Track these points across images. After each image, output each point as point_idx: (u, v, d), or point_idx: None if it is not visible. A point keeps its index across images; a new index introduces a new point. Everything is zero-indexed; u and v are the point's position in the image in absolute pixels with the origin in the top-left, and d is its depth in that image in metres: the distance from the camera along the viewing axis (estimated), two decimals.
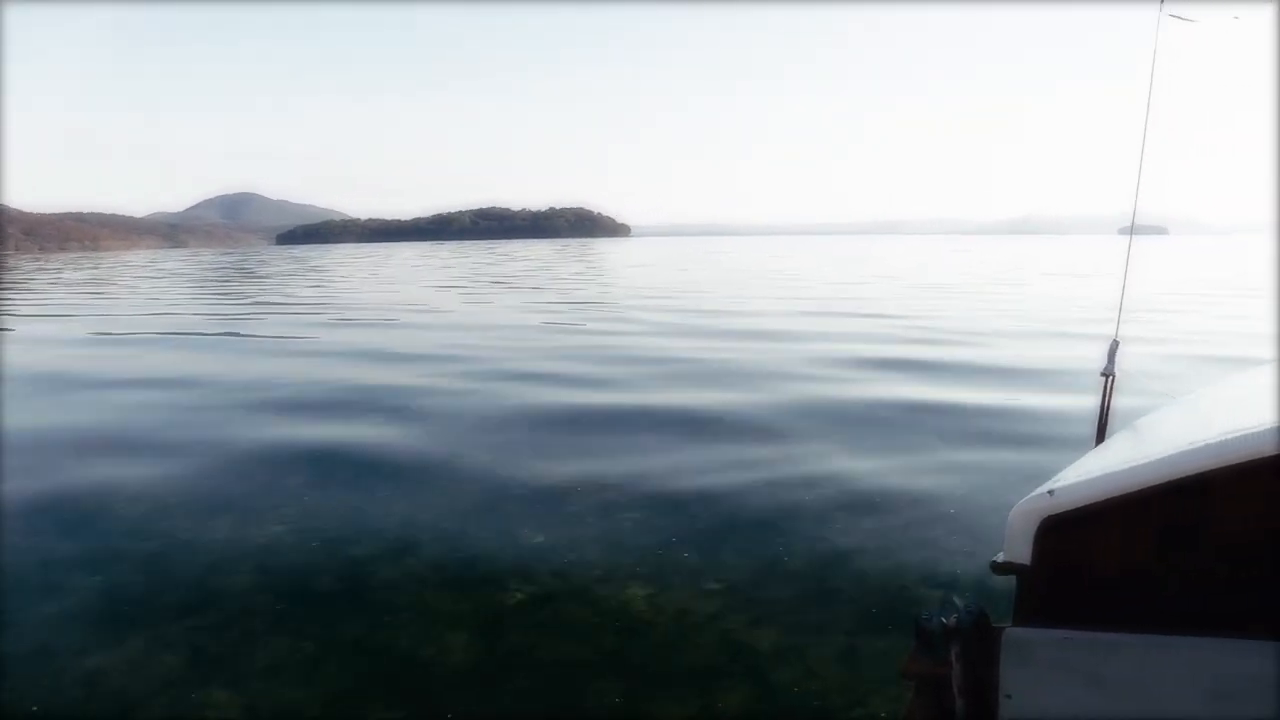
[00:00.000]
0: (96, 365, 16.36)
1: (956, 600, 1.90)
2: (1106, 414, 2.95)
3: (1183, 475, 1.78)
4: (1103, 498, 1.85)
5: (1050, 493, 1.91)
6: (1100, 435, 2.85)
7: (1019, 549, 1.91)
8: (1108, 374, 3.05)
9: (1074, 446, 2.94)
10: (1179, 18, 3.00)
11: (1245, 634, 1.72)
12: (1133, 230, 3.29)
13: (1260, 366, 3.11)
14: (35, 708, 4.25)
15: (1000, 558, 1.96)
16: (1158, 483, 1.80)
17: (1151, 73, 2.99)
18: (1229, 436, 1.77)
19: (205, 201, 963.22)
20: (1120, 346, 3.14)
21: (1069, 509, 1.88)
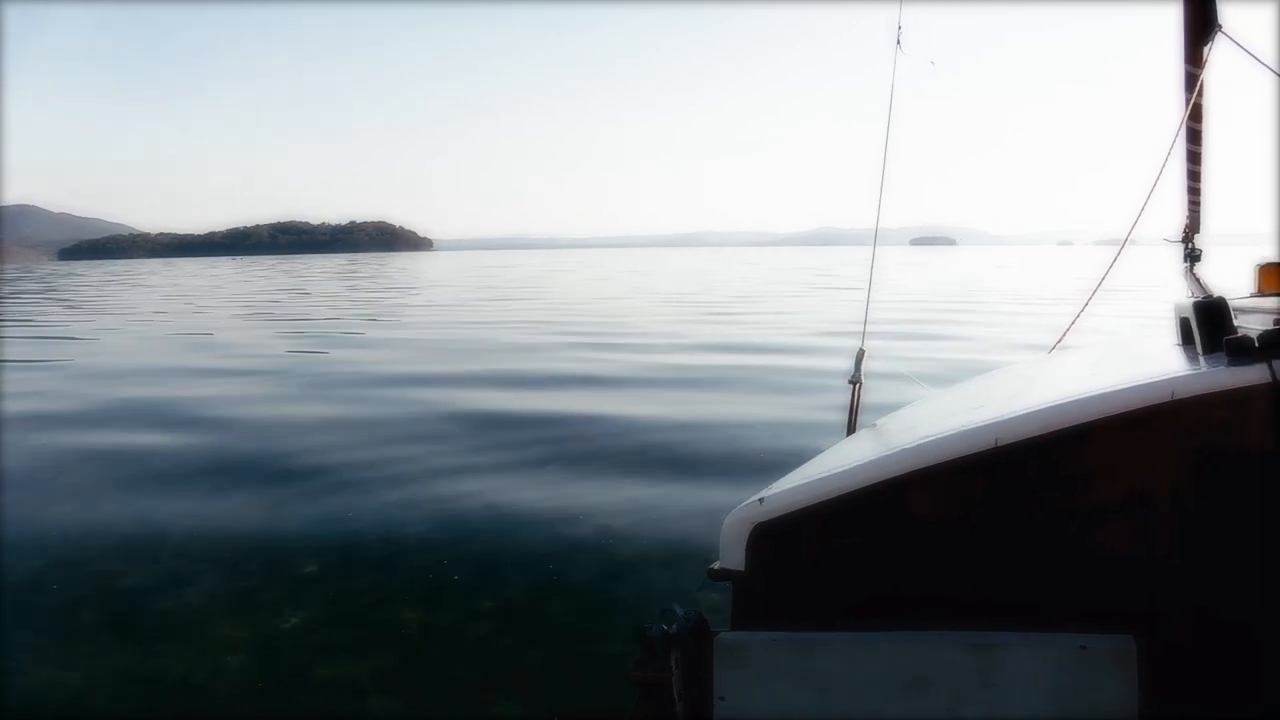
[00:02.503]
0: None
1: (677, 608, 1.99)
2: (855, 419, 3.20)
3: (881, 480, 1.94)
4: (809, 503, 1.98)
5: (760, 500, 2.03)
6: None
7: (732, 556, 2.02)
8: (855, 381, 3.33)
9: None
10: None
11: (942, 626, 1.86)
12: (875, 242, 3.81)
13: (989, 373, 3.56)
14: None
15: (716, 565, 2.05)
16: (858, 488, 1.95)
17: (890, 107, 3.46)
18: (923, 442, 1.96)
19: None
20: (866, 354, 3.46)
21: (778, 515, 1.99)
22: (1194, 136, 3.59)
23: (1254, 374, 1.78)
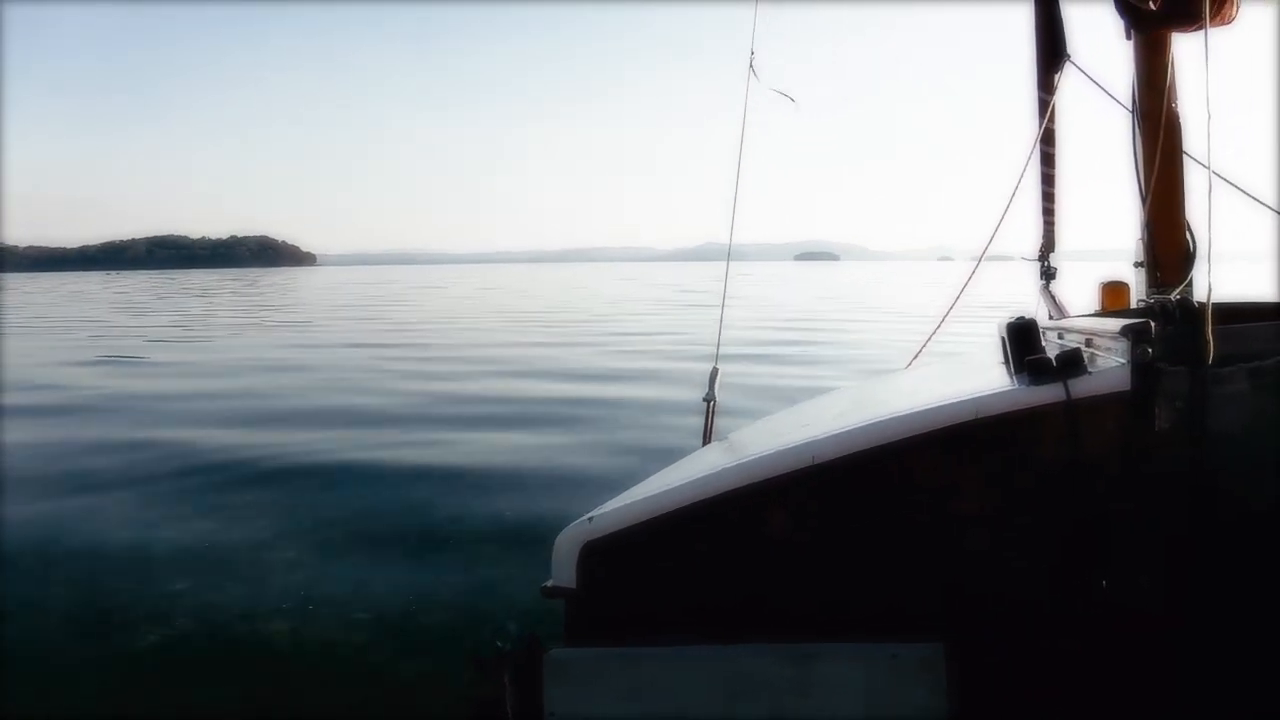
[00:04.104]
0: None
1: (510, 627, 2.32)
2: (709, 437, 3.23)
3: (704, 498, 1.99)
4: (636, 521, 2.03)
5: (590, 519, 2.07)
6: None
7: (564, 573, 2.05)
8: (709, 399, 3.38)
9: None
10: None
11: (764, 639, 1.92)
12: (730, 256, 3.92)
13: (832, 391, 3.83)
14: None
15: (549, 583, 2.08)
16: (682, 505, 2.01)
17: (741, 136, 3.51)
18: (745, 460, 2.05)
19: None
20: (720, 372, 3.49)
21: (606, 533, 2.04)
22: (1047, 159, 3.72)
23: (1050, 393, 1.86)
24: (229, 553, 5.68)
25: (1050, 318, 3.63)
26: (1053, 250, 4.08)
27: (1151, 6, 2.57)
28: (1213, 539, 1.83)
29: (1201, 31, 2.31)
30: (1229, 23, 2.71)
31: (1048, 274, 4.07)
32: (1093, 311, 3.24)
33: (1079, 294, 3.83)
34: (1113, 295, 3.34)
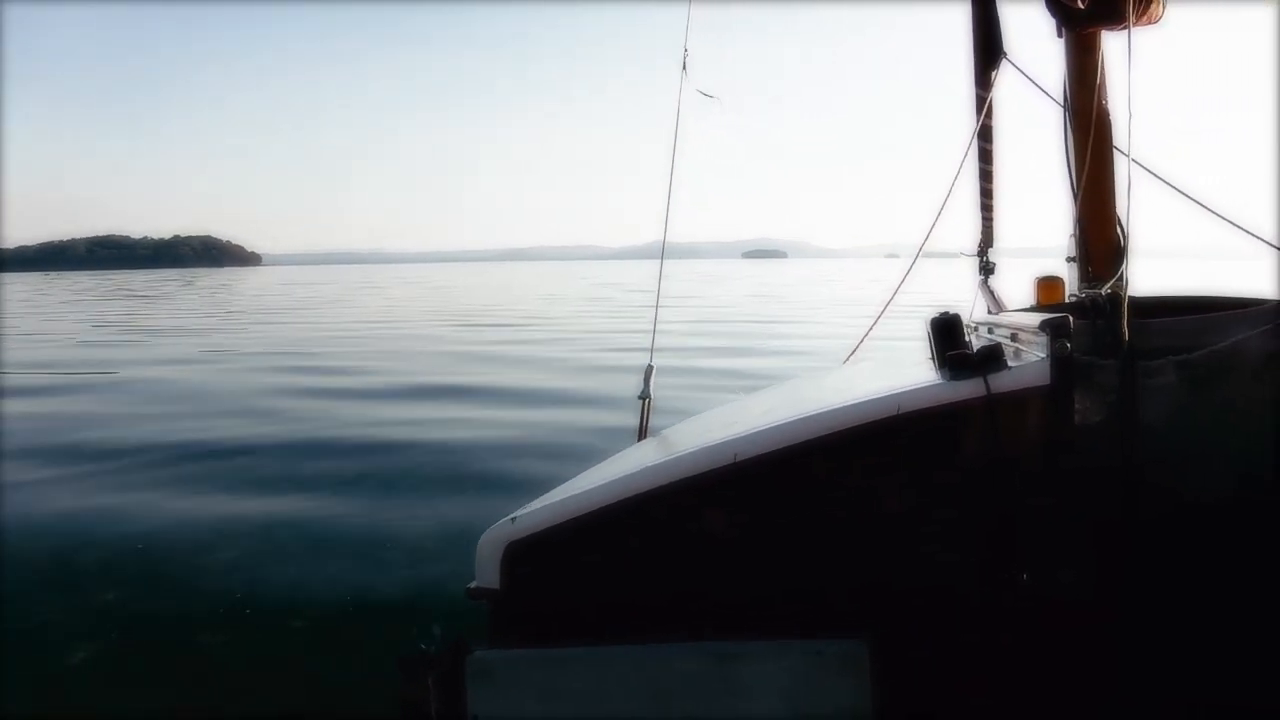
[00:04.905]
0: None
1: (435, 630, 2.07)
2: (645, 434, 3.23)
3: (626, 497, 1.99)
4: (558, 521, 2.03)
5: (513, 519, 2.07)
6: None
7: (487, 574, 2.05)
8: (644, 396, 3.38)
9: None
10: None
11: (687, 638, 1.93)
12: (662, 257, 3.71)
13: (765, 388, 3.84)
14: None
15: (473, 584, 2.07)
16: (604, 505, 2.01)
17: (675, 133, 3.52)
18: (668, 459, 2.04)
19: None
20: (655, 370, 3.49)
21: (529, 533, 2.03)
22: (985, 155, 3.76)
23: (970, 388, 1.87)
24: None
25: (989, 312, 3.67)
26: (991, 246, 4.12)
27: (1080, 5, 2.60)
28: (1139, 531, 1.85)
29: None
30: (1155, 22, 2.75)
31: (987, 269, 4.12)
32: (1028, 306, 3.28)
33: (1021, 289, 3.88)
34: (1047, 290, 3.39)
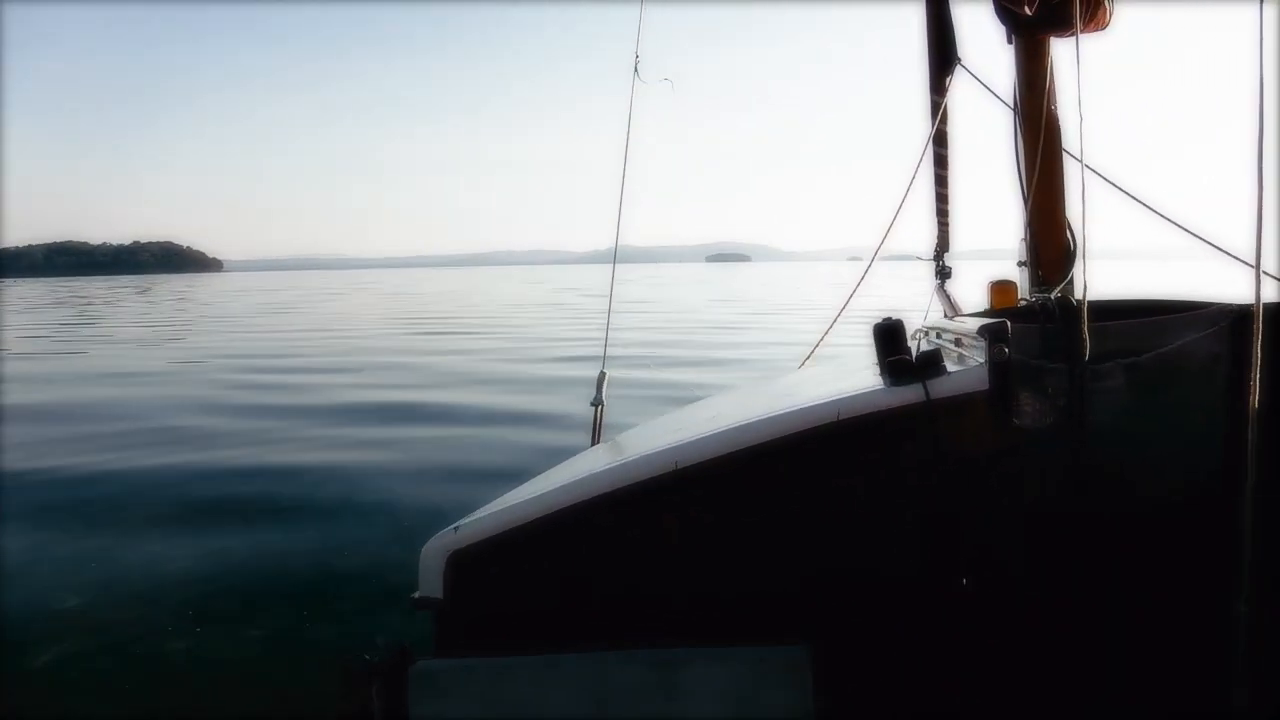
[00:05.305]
0: None
1: (379, 640, 2.16)
2: (598, 440, 3.25)
3: (568, 505, 1.98)
4: (500, 530, 2.01)
5: (455, 529, 2.05)
6: None
7: (431, 584, 2.03)
8: (597, 403, 3.46)
9: None
10: (661, 80, 3.71)
11: (630, 645, 1.92)
12: (614, 261, 3.80)
13: (715, 395, 3.81)
14: None
15: (417, 594, 2.05)
16: (546, 514, 1.99)
17: (627, 136, 3.56)
18: (610, 467, 2.04)
19: None
20: (608, 376, 3.56)
21: (471, 543, 2.02)
22: (940, 160, 3.77)
23: (910, 394, 1.87)
24: None
25: (946, 316, 3.69)
26: (947, 250, 4.13)
27: (1028, 12, 2.63)
28: (1086, 532, 1.86)
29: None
30: (1103, 28, 2.78)
31: (943, 273, 4.13)
32: (982, 310, 3.30)
33: (979, 293, 3.90)
34: (1001, 294, 3.41)
